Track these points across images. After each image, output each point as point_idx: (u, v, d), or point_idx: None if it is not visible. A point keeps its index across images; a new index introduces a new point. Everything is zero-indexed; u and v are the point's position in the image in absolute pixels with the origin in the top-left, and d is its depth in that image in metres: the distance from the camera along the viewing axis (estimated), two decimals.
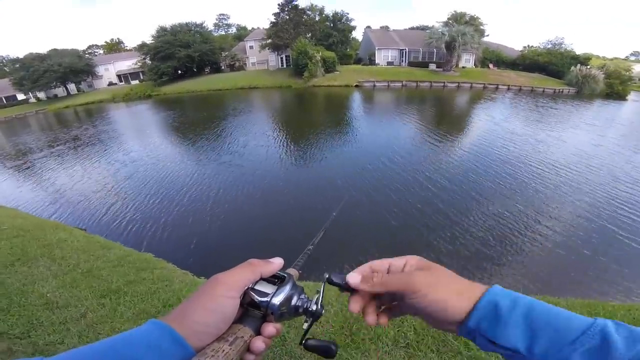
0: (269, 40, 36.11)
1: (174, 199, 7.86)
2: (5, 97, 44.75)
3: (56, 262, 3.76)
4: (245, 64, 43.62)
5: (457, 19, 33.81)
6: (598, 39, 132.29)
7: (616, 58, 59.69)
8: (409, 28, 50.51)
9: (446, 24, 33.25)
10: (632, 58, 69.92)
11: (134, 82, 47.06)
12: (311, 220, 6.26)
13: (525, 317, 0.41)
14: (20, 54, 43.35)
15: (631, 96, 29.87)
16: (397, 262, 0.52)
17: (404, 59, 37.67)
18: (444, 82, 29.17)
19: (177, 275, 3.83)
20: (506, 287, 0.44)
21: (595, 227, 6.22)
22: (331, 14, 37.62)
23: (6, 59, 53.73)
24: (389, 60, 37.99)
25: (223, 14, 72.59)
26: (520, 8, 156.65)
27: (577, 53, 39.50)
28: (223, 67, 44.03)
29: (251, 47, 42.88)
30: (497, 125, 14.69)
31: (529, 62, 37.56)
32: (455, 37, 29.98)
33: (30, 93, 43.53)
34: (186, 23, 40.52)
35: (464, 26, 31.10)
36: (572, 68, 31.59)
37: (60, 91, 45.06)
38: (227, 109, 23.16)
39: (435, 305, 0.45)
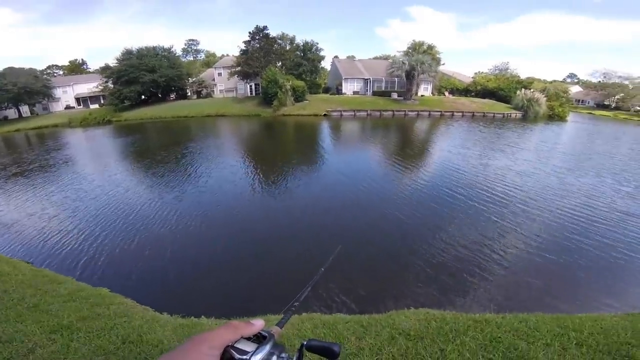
0: (239, 68, 35.73)
1: (131, 231, 7.58)
2: None
3: None
4: (213, 91, 43.22)
5: (416, 48, 34.93)
6: (540, 63, 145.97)
7: (555, 81, 66.84)
8: (373, 58, 52.62)
9: (406, 53, 34.35)
10: (569, 80, 78.31)
11: (94, 107, 45.00)
12: (274, 255, 6.35)
13: None
14: None
15: (570, 117, 33.44)
16: None
17: (368, 88, 38.81)
18: (405, 111, 30.73)
19: (137, 311, 3.73)
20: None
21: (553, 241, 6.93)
22: (302, 44, 37.74)
23: None
24: (355, 89, 38.97)
25: (193, 40, 71.71)
26: (471, 37, 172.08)
27: (521, 78, 43.46)
28: (189, 94, 43.37)
29: (220, 74, 42.67)
30: (453, 152, 15.90)
31: (480, 88, 39.24)
32: (415, 66, 31.19)
33: None
34: (153, 47, 39.35)
35: (422, 55, 32.31)
36: (518, 92, 34.17)
37: (11, 113, 41.98)
38: (192, 136, 22.88)
39: None
